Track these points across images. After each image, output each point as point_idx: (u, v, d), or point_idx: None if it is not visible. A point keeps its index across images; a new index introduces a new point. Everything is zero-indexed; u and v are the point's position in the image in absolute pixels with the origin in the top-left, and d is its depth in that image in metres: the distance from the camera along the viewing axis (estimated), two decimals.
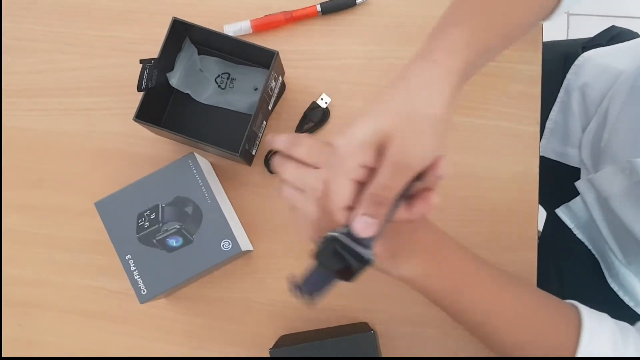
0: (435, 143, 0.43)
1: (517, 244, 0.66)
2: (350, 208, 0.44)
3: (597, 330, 0.50)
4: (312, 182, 0.47)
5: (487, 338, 0.53)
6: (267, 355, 0.60)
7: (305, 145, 0.49)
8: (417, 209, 0.45)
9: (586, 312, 0.51)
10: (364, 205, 0.43)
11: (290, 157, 0.49)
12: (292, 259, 0.67)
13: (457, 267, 0.52)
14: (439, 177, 0.44)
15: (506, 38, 0.51)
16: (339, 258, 0.44)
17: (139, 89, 0.58)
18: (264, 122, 0.66)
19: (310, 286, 0.45)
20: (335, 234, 0.44)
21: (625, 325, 0.53)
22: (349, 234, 0.44)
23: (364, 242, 0.44)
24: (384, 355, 0.62)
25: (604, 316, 0.52)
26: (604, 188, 0.70)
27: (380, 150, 0.43)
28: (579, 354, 0.48)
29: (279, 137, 0.51)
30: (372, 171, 0.44)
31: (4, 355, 0.68)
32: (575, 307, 0.52)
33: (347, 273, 0.44)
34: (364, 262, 0.44)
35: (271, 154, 0.67)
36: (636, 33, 0.89)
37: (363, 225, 0.43)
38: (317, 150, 0.48)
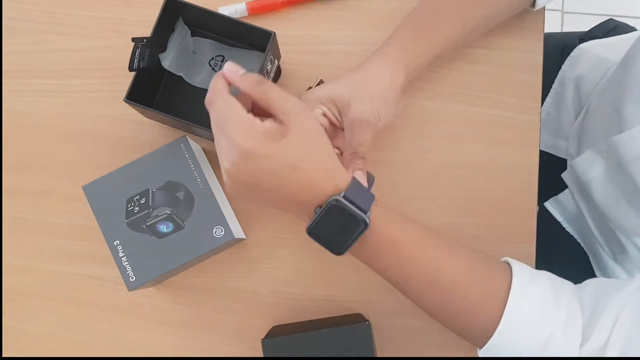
0: (385, 109, 0.56)
1: (516, 237, 0.64)
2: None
3: (527, 291, 0.49)
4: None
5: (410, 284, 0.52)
6: (259, 345, 0.58)
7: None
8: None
9: (518, 271, 0.50)
10: (352, 163, 0.52)
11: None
12: (285, 248, 0.65)
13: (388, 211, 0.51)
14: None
15: (461, 31, 0.60)
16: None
17: (131, 69, 0.57)
18: None
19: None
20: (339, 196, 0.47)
21: (562, 285, 0.51)
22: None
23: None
24: (378, 346, 0.61)
25: (538, 277, 0.51)
26: (584, 172, 0.69)
27: (341, 115, 0.55)
28: (503, 319, 0.48)
29: (248, 75, 0.48)
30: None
31: (4, 355, 0.66)
32: (509, 266, 0.51)
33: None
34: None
35: None
36: (633, 27, 0.88)
37: (360, 178, 0.50)
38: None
